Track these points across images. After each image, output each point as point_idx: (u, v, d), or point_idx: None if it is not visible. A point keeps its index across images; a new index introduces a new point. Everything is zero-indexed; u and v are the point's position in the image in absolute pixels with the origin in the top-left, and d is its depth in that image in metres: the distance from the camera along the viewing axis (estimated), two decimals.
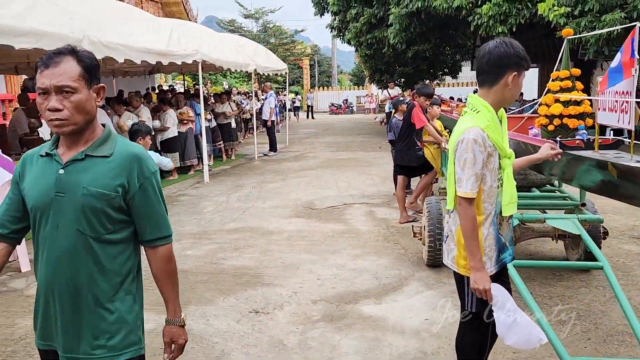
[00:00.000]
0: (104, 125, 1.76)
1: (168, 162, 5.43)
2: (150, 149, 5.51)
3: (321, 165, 11.23)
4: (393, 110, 7.31)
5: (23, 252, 4.86)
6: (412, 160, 6.10)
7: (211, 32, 11.39)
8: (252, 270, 4.77)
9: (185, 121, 10.00)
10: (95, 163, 1.66)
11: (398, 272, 4.61)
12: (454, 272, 2.52)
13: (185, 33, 9.17)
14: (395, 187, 7.65)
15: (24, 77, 14.23)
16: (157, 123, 9.36)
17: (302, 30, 33.80)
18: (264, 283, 4.44)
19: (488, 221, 2.39)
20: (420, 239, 4.80)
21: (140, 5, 18.30)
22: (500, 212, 2.41)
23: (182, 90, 16.47)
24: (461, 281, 2.48)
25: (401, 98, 7.33)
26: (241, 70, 11.77)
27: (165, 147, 9.67)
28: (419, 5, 12.02)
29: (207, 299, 4.13)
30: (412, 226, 4.94)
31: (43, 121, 9.69)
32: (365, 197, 7.76)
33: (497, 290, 2.32)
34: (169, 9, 22.24)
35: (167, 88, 17.43)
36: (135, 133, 5.26)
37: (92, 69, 1.67)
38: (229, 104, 12.37)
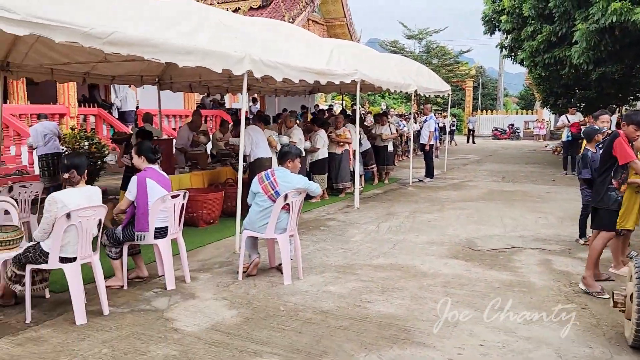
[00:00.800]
0: None
1: (317, 187, 5.03)
2: (299, 172, 5.18)
3: (483, 196, 10.12)
4: (584, 142, 6.04)
5: (169, 269, 4.80)
6: (610, 203, 4.79)
7: (372, 52, 11.06)
8: (400, 321, 4.08)
9: (341, 143, 9.70)
10: None
11: (590, 352, 3.56)
12: None
13: (346, 52, 8.91)
14: (580, 233, 6.42)
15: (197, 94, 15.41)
16: (307, 144, 9.19)
17: (467, 51, 32.40)
18: (413, 341, 3.73)
19: None
20: (623, 310, 3.68)
21: (307, 27, 18.92)
22: None
23: (339, 110, 16.50)
24: None
25: (596, 127, 6.03)
26: (400, 91, 11.24)
27: (315, 169, 9.44)
28: (613, 20, 10.36)
29: (346, 353, 3.54)
30: (613, 292, 3.82)
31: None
32: (539, 240, 6.60)
33: None
34: (333, 30, 22.82)
35: (326, 108, 17.63)
36: (284, 155, 4.96)
37: None
38: (389, 126, 11.88)
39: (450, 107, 27.12)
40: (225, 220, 7.47)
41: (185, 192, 4.93)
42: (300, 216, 8.11)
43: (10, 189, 5.42)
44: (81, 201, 3.94)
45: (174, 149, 8.39)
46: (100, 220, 4.12)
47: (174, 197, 4.80)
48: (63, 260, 3.94)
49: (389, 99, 37.33)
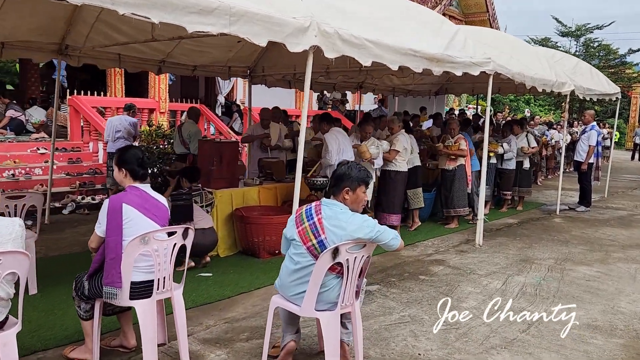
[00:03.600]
0: None
1: (393, 238, 2.93)
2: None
3: None
4: None
5: (150, 351, 3.08)
6: None
7: (511, 38, 8.51)
8: None
9: (453, 156, 7.31)
10: None
11: None
12: None
13: (475, 36, 6.64)
14: None
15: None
16: (385, 144, 6.95)
17: (638, 50, 27.17)
18: None
19: None
20: None
21: None
22: None
23: (471, 115, 13.93)
24: None
25: None
26: (551, 92, 8.53)
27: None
28: None
29: None
30: None
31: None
32: None
33: None
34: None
35: (457, 112, 15.10)
36: (339, 180, 2.98)
37: None
38: (526, 137, 9.18)
39: (611, 117, 22.64)
40: None
41: (186, 228, 3.18)
42: (398, 254, 5.93)
43: None
44: None
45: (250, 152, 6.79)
46: (15, 275, 2.53)
47: (169, 234, 3.10)
48: None
49: (535, 105, 32.96)
